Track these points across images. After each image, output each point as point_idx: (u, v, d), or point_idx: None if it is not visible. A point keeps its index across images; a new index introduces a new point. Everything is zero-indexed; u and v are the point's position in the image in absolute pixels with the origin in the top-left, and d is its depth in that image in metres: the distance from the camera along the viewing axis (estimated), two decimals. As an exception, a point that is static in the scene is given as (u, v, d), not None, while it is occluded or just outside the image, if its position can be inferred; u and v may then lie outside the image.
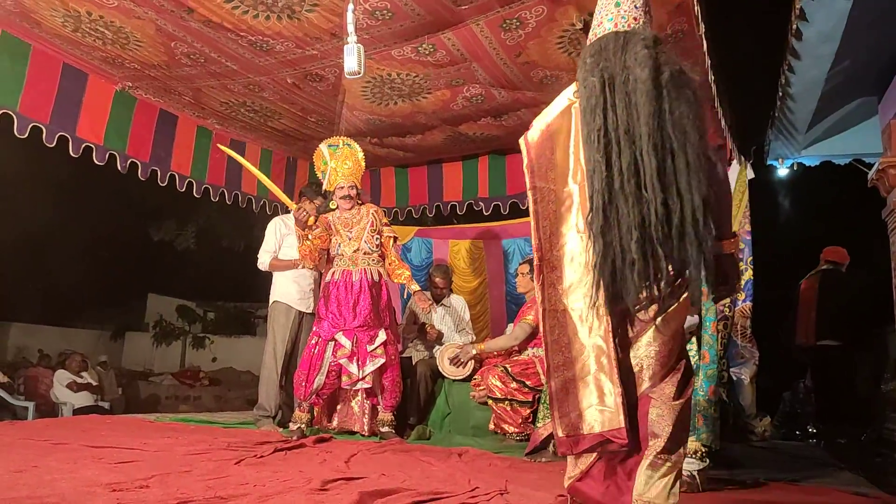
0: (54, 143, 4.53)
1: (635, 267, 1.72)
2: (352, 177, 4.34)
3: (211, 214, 13.18)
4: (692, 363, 2.32)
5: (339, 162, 4.33)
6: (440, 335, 4.94)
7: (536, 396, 4.01)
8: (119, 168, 4.98)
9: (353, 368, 4.11)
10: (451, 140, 5.76)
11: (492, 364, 4.39)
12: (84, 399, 7.73)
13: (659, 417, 1.79)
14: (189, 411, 8.31)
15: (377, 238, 4.34)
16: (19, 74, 4.26)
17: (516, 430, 4.07)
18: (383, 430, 4.20)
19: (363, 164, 4.47)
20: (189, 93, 4.96)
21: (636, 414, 1.80)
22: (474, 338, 5.12)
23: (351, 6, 3.19)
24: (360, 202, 4.42)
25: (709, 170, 1.78)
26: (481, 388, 4.30)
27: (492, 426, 4.19)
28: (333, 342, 4.15)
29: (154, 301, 17.22)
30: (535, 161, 1.99)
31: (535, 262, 1.95)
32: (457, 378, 4.57)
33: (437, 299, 5.12)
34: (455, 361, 4.53)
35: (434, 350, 4.88)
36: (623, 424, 1.75)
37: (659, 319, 1.80)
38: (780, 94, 4.12)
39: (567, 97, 2.06)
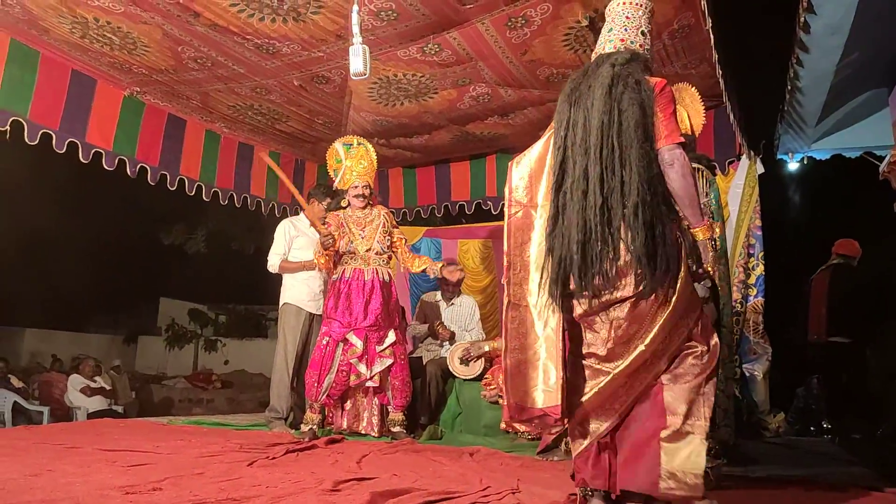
0: (64, 149, 4.56)
1: (575, 267, 1.98)
2: (366, 176, 4.35)
3: (220, 218, 13.25)
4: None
5: (355, 161, 4.33)
6: (452, 335, 4.94)
7: (547, 395, 3.99)
8: (129, 173, 5.01)
9: (363, 368, 4.13)
10: (459, 140, 5.76)
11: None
12: (98, 403, 7.78)
13: (673, 399, 1.97)
14: (202, 414, 8.34)
15: (388, 239, 4.36)
16: (29, 82, 4.30)
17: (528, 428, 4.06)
18: (394, 429, 4.20)
19: (376, 164, 4.48)
20: (197, 97, 4.98)
21: (576, 398, 2.05)
22: (484, 336, 5.11)
23: (355, 7, 3.20)
24: (372, 203, 4.44)
25: (657, 170, 1.98)
26: (492, 386, 4.29)
27: (503, 425, 4.16)
28: (344, 342, 4.14)
29: (166, 305, 17.36)
30: (515, 182, 2.24)
31: (504, 263, 2.21)
32: (467, 377, 4.57)
33: (448, 298, 5.12)
34: (465, 357, 4.53)
35: (444, 350, 4.88)
36: (559, 402, 1.99)
37: (625, 312, 2.00)
38: (789, 87, 4.10)
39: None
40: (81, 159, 4.68)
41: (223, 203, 5.86)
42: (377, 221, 4.36)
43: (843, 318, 5.25)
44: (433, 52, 4.15)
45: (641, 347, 1.97)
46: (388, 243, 4.37)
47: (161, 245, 14.87)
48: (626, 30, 2.15)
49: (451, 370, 4.58)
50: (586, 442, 2.07)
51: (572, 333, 2.12)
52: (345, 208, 4.41)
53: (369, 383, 4.19)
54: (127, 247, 15.50)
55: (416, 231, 6.80)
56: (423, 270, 4.45)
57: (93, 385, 7.93)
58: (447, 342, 4.93)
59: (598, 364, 2.04)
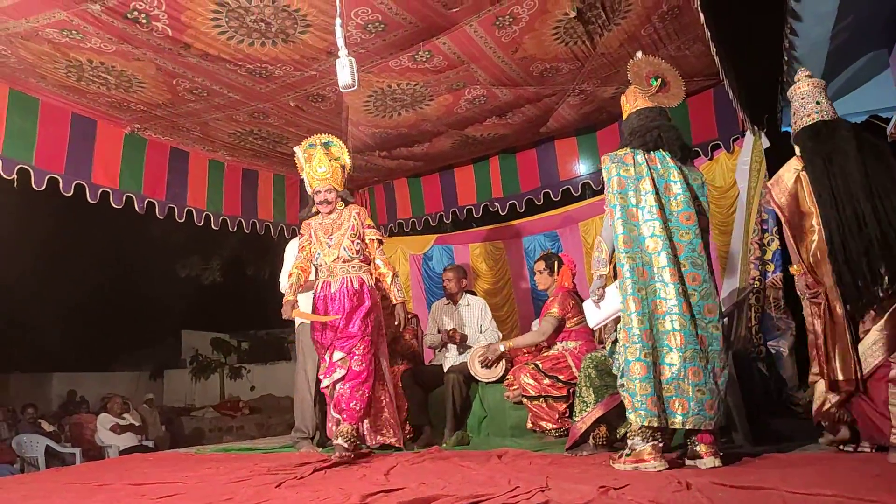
0: (71, 191, 4.62)
1: (865, 279, 2.74)
2: (328, 180, 4.05)
3: (233, 245, 13.39)
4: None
5: (313, 166, 4.07)
6: (464, 337, 4.90)
7: (571, 390, 3.96)
8: (137, 209, 5.06)
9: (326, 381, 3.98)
10: (460, 144, 5.76)
11: (522, 363, 4.35)
12: (128, 440, 7.83)
13: None
14: (233, 441, 8.37)
15: (358, 244, 4.03)
16: (31, 129, 4.37)
17: (554, 425, 4.02)
18: (336, 441, 3.83)
19: (344, 162, 4.19)
20: (197, 128, 5.03)
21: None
22: (500, 336, 5.08)
23: (339, 20, 3.21)
24: (343, 205, 4.13)
25: None
26: (515, 387, 4.26)
27: (529, 425, 4.15)
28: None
29: (188, 337, 17.50)
30: (785, 209, 3.04)
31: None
32: (489, 380, 4.54)
33: (452, 298, 5.11)
34: (484, 362, 4.50)
35: (463, 354, 4.85)
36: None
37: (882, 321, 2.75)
38: (786, 58, 4.04)
39: (794, 168, 3.05)
40: (89, 200, 4.74)
41: (232, 230, 5.90)
42: (346, 226, 4.03)
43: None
44: (424, 60, 4.16)
45: None
46: (358, 248, 4.02)
47: (178, 278, 15.04)
48: (829, 104, 3.13)
49: (473, 375, 4.55)
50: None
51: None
52: (316, 215, 4.16)
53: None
54: (145, 283, 15.68)
55: (426, 239, 6.80)
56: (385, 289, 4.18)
57: (122, 423, 7.99)
58: (460, 345, 4.90)
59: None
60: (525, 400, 4.15)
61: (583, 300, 4.55)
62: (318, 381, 4.52)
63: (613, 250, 3.06)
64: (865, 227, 2.77)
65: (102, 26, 3.57)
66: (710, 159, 5.15)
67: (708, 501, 2.06)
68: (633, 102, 3.21)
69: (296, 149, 4.22)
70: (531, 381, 4.09)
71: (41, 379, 14.42)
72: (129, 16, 3.48)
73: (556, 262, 4.47)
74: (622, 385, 2.90)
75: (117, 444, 7.66)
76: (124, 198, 4.95)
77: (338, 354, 3.90)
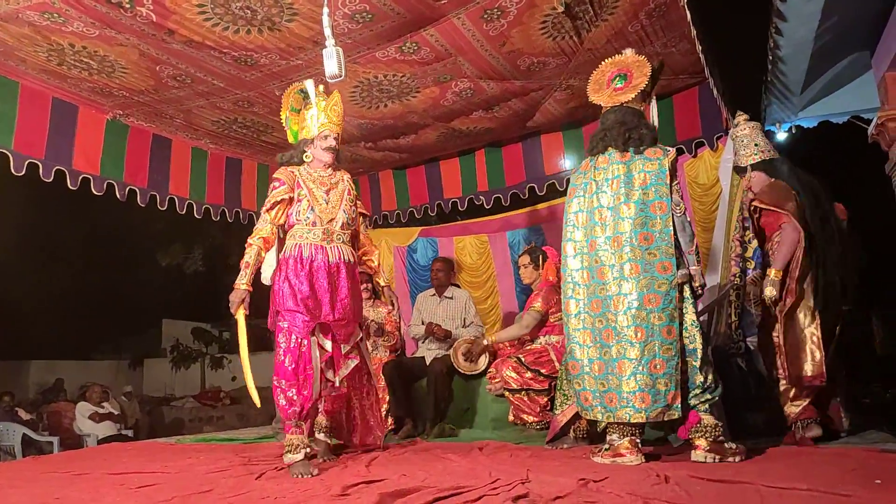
0: (52, 177, 4.55)
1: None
2: (340, 126, 3.46)
3: (215, 234, 13.25)
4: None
5: (329, 105, 3.38)
6: (447, 334, 4.91)
7: (552, 384, 3.99)
8: (118, 196, 5.00)
9: (330, 374, 3.33)
10: (446, 137, 5.75)
11: (505, 356, 4.37)
12: (107, 429, 7.77)
13: None
14: (213, 432, 8.33)
15: (353, 211, 3.45)
16: (10, 113, 4.29)
17: (536, 419, 4.05)
18: (319, 436, 3.49)
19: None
20: (180, 115, 4.97)
21: None
22: (484, 330, 5.10)
23: (326, 10, 3.18)
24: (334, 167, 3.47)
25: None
26: (497, 380, 4.28)
27: (511, 417, 4.18)
28: (315, 339, 3.25)
29: (169, 326, 17.36)
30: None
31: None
32: (472, 373, 4.56)
33: (439, 290, 5.11)
34: (468, 355, 4.51)
35: (447, 348, 4.86)
36: None
37: None
38: (771, 57, 4.08)
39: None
40: (70, 186, 4.67)
41: (215, 219, 5.85)
42: (342, 187, 3.41)
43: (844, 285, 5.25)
44: (412, 51, 4.14)
45: None
46: (353, 216, 3.45)
47: (159, 267, 14.88)
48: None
49: (455, 367, 4.57)
50: None
51: None
52: (299, 164, 3.40)
53: (334, 392, 3.41)
54: (126, 272, 15.51)
55: (411, 232, 6.79)
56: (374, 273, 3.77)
57: (101, 411, 7.92)
58: (443, 340, 4.91)
59: None
60: (507, 393, 4.18)
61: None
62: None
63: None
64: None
65: (85, 10, 3.51)
66: (694, 156, 5.19)
67: (685, 494, 2.09)
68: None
69: (307, 82, 3.41)
70: (514, 375, 4.11)
71: (17, 367, 14.24)
72: (112, 0, 3.43)
73: (540, 256, 4.49)
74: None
75: (96, 432, 7.60)
76: (105, 185, 4.88)
77: (345, 348, 3.39)
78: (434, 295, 5.14)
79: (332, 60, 3.16)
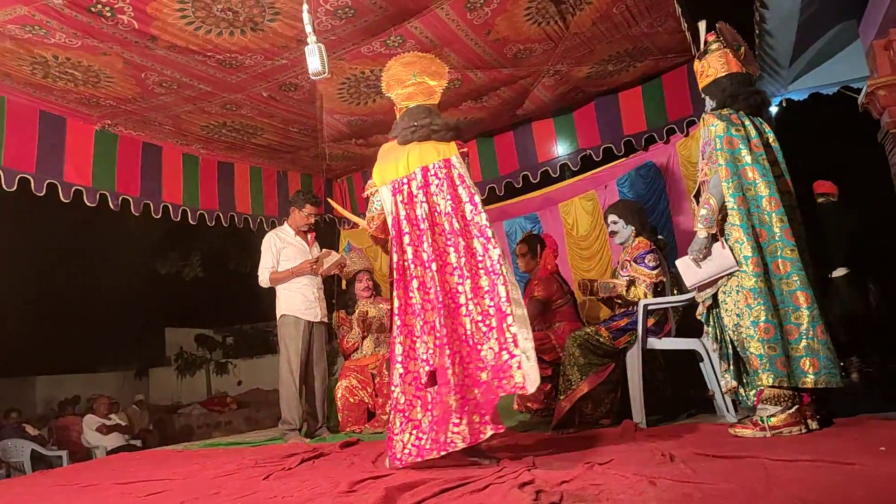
0: (44, 191, 4.54)
1: None
2: None
3: (212, 240, 13.24)
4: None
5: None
6: None
7: (555, 370, 3.98)
8: (111, 206, 4.98)
9: None
10: (436, 129, 5.71)
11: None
12: (115, 440, 7.79)
13: None
14: (222, 437, 8.35)
15: None
16: (-2, 128, 4.27)
17: (540, 406, 4.06)
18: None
19: None
20: (168, 121, 4.95)
21: None
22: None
23: (306, 6, 3.17)
24: None
25: None
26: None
27: (516, 405, 4.18)
28: None
29: (172, 334, 17.35)
30: None
31: None
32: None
33: None
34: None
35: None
36: None
37: None
38: (757, 31, 4.06)
39: None
40: (62, 199, 4.65)
41: (210, 224, 5.83)
42: None
43: (841, 253, 5.27)
44: (397, 45, 4.12)
45: None
46: None
47: (158, 275, 14.86)
48: None
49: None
50: None
51: None
52: None
53: None
54: (125, 282, 15.48)
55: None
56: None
57: (108, 423, 7.93)
58: None
59: None
60: (511, 382, 4.17)
61: (566, 281, 4.57)
62: (303, 372, 4.52)
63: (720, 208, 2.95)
64: None
65: (66, 21, 3.48)
66: (686, 136, 5.17)
67: (691, 472, 2.09)
68: (720, 67, 3.15)
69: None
70: (516, 363, 4.10)
71: (23, 383, 14.23)
72: (92, 9, 3.41)
73: (538, 245, 4.48)
74: (744, 349, 2.83)
75: (104, 444, 7.62)
76: (98, 196, 4.86)
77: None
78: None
79: (314, 58, 3.15)
